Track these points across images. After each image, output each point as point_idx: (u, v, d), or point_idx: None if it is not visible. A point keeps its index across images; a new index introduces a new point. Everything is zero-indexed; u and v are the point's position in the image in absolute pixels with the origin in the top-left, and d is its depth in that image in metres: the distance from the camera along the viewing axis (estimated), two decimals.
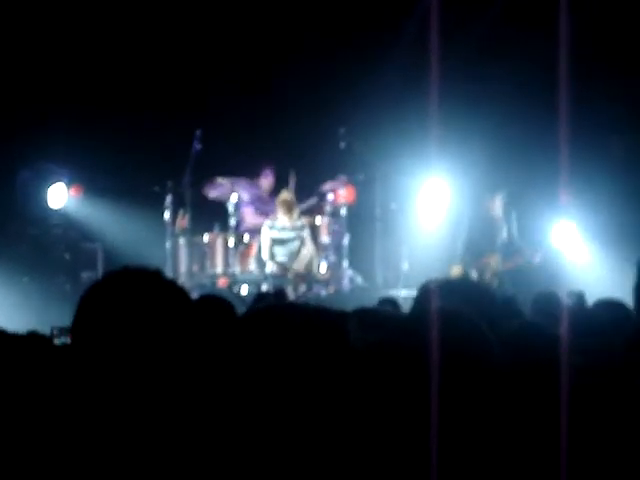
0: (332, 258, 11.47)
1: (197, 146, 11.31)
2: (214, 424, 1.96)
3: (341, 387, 1.94)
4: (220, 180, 11.48)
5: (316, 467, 1.91)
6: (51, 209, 11.84)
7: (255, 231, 11.31)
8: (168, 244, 11.42)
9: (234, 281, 11.16)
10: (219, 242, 11.37)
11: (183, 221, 11.45)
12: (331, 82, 11.87)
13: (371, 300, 7.39)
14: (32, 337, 4.05)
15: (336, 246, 11.51)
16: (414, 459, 1.97)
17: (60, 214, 11.95)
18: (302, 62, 11.88)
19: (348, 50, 11.84)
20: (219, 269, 11.34)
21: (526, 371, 2.50)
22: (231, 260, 11.25)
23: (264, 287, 10.80)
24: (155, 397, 1.89)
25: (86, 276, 11.92)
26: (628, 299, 4.42)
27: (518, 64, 11.20)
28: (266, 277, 10.96)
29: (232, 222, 11.26)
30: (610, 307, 4.37)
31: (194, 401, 1.91)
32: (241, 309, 5.05)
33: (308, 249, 11.12)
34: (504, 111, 11.38)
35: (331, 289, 11.31)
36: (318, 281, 11.27)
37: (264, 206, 11.50)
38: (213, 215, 11.56)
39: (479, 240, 10.76)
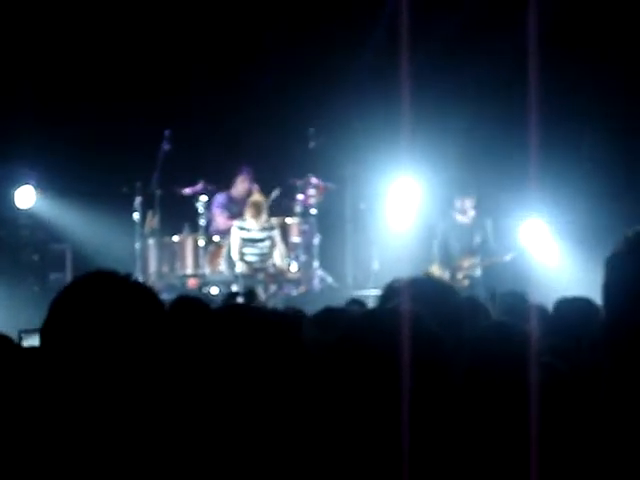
0: (302, 258, 11.47)
1: (166, 146, 11.28)
2: (176, 423, 1.95)
3: (293, 385, 1.94)
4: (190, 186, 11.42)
5: (271, 460, 1.92)
6: (19, 210, 11.76)
7: (225, 232, 11.28)
8: (137, 245, 11.37)
9: (204, 282, 11.13)
10: (189, 243, 11.34)
11: (152, 222, 11.40)
12: (300, 82, 11.86)
13: (342, 300, 7.38)
14: None
15: (306, 246, 11.51)
16: (369, 455, 1.97)
17: (28, 215, 11.87)
18: (271, 61, 11.87)
19: (317, 49, 11.83)
20: (189, 270, 11.30)
21: (493, 370, 2.50)
22: (201, 261, 11.22)
23: (234, 287, 10.78)
24: (123, 398, 1.89)
25: (55, 277, 11.86)
26: (597, 297, 4.42)
27: (488, 63, 11.23)
28: (236, 277, 10.94)
29: (202, 222, 11.23)
30: (577, 304, 4.38)
31: (159, 402, 1.91)
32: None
33: (279, 249, 11.11)
34: (475, 110, 11.41)
35: (302, 289, 11.30)
36: (289, 281, 11.26)
37: (238, 207, 11.46)
38: (183, 216, 11.52)
39: (454, 243, 10.83)
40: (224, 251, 11.19)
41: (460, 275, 10.76)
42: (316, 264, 11.50)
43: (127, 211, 11.41)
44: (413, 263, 10.28)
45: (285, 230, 11.37)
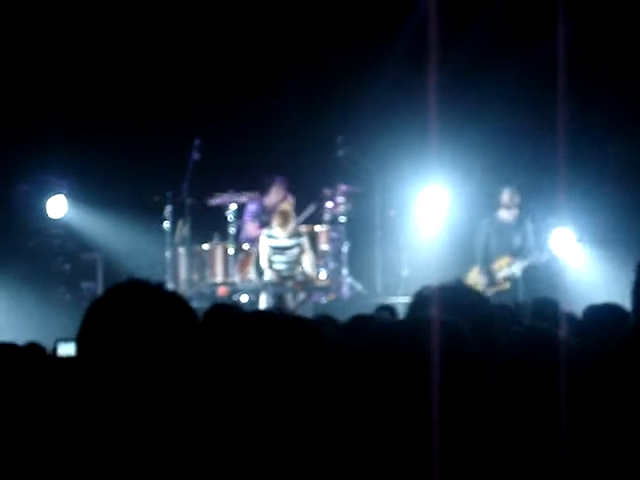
0: (331, 266, 11.48)
1: (196, 156, 11.33)
2: (209, 429, 1.98)
3: (316, 390, 1.96)
4: (221, 195, 11.48)
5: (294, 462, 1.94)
6: (50, 220, 11.86)
7: (255, 240, 11.32)
8: (168, 253, 11.44)
9: (234, 290, 11.17)
10: (219, 251, 11.38)
11: (183, 230, 11.46)
12: (329, 90, 11.90)
13: (371, 307, 7.40)
14: (31, 348, 4.07)
15: (335, 254, 11.53)
16: (395, 462, 1.99)
17: (59, 225, 11.98)
18: (300, 70, 11.91)
19: (345, 59, 11.86)
20: (219, 278, 11.35)
21: (528, 376, 2.50)
22: (231, 269, 11.27)
23: (263, 295, 10.82)
24: (157, 406, 1.92)
25: (86, 286, 11.95)
26: (627, 303, 4.42)
27: (516, 72, 11.24)
28: (265, 285, 10.97)
29: (231, 231, 11.27)
30: (606, 311, 4.38)
31: (192, 409, 1.94)
32: None
33: (307, 257, 11.13)
34: (502, 118, 11.41)
35: (331, 296, 11.32)
36: (318, 289, 11.28)
37: (268, 217, 11.48)
38: (213, 224, 11.57)
39: (494, 242, 10.82)
40: (253, 259, 11.23)
41: (499, 276, 10.76)
42: (345, 271, 11.52)
43: (157, 220, 11.47)
44: (443, 269, 10.27)
45: (314, 238, 11.39)
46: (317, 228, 11.51)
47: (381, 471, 2.02)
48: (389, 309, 5.36)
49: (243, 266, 11.30)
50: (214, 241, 11.45)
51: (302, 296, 11.03)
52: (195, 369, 1.96)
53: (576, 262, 11.15)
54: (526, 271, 10.69)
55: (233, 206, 11.32)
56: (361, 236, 11.86)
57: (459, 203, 11.58)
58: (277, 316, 2.18)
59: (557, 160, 8.64)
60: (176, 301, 2.01)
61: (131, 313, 1.96)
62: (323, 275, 11.38)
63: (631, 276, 3.95)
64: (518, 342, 2.59)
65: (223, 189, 11.48)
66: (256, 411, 1.97)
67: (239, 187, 11.54)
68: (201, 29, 11.92)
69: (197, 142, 11.33)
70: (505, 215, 10.87)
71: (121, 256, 11.64)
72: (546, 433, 2.36)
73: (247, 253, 11.32)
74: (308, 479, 1.93)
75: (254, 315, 2.28)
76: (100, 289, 11.68)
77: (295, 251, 11.06)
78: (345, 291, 11.46)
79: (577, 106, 10.01)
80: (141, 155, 11.64)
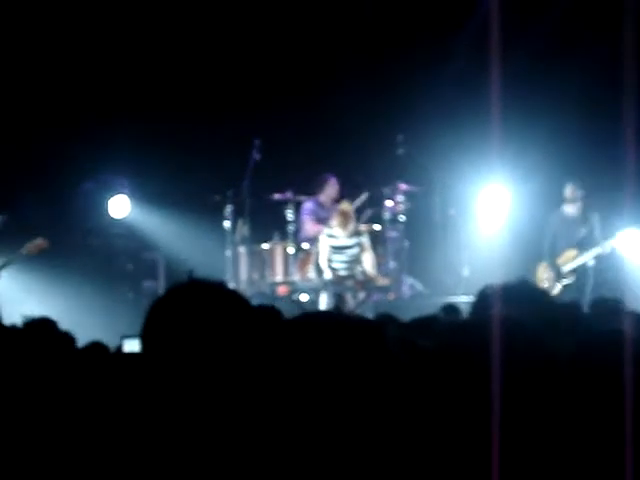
0: (392, 265, 11.45)
1: (256, 155, 11.38)
2: (270, 427, 1.99)
3: (382, 392, 1.95)
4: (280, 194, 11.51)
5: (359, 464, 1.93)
6: (113, 220, 11.99)
7: (314, 239, 11.33)
8: (228, 253, 11.50)
9: (294, 289, 11.20)
10: (279, 250, 11.42)
11: (243, 230, 11.52)
12: (389, 88, 11.86)
13: (431, 307, 7.36)
14: (95, 347, 4.12)
15: (395, 253, 11.49)
16: (466, 467, 1.97)
17: (122, 224, 12.11)
18: (360, 68, 11.88)
19: (406, 55, 11.82)
20: (279, 277, 11.38)
21: (596, 374, 2.46)
22: (291, 268, 11.30)
23: (323, 295, 10.83)
24: (219, 405, 1.94)
25: (148, 285, 12.07)
26: None
27: (580, 69, 11.10)
28: (325, 284, 10.97)
29: (291, 230, 11.31)
30: None
31: (253, 407, 1.95)
32: None
33: (367, 256, 11.10)
34: (565, 116, 11.28)
35: (391, 296, 11.28)
36: (378, 288, 11.25)
37: (326, 214, 11.49)
38: (272, 223, 11.62)
39: (561, 237, 10.79)
40: (313, 258, 11.24)
41: (566, 269, 10.75)
42: (405, 271, 11.48)
43: (218, 219, 11.55)
44: (505, 268, 10.20)
45: (374, 237, 11.37)
46: (377, 227, 11.49)
47: (445, 471, 2.01)
48: (453, 308, 5.31)
49: (303, 265, 11.32)
50: (274, 240, 11.49)
51: (362, 295, 11.01)
52: (258, 368, 1.97)
53: None
54: (596, 260, 10.67)
55: (292, 205, 11.35)
56: (421, 235, 11.81)
57: (521, 201, 11.48)
58: (339, 316, 2.17)
59: (623, 158, 8.51)
60: (238, 300, 2.03)
61: (194, 312, 1.98)
62: (383, 274, 11.35)
63: None
64: (585, 342, 2.55)
65: (283, 188, 11.51)
66: (321, 411, 1.96)
67: (298, 186, 11.56)
68: (263, 28, 11.96)
69: (257, 142, 11.38)
70: (570, 209, 10.88)
71: (182, 255, 11.73)
72: (616, 436, 2.32)
73: (307, 252, 11.34)
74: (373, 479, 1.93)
75: (317, 315, 2.27)
76: (161, 288, 11.78)
77: (355, 250, 11.04)
78: (405, 290, 11.43)
79: None
80: (202, 155, 11.72)
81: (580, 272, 10.71)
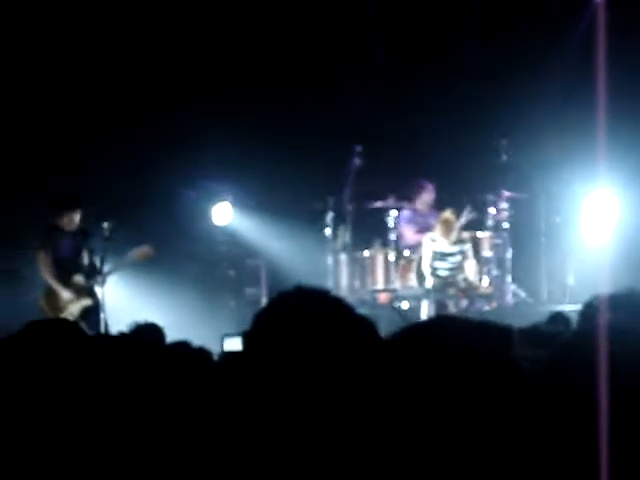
0: (495, 272, 11.31)
1: (357, 162, 11.38)
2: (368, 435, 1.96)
3: (506, 405, 1.90)
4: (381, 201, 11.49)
5: None
6: (216, 227, 12.13)
7: (415, 246, 11.27)
8: (329, 260, 11.52)
9: (395, 296, 11.15)
10: (379, 257, 11.39)
11: (344, 237, 11.52)
12: (492, 94, 11.73)
13: (535, 316, 7.22)
14: (200, 352, 4.15)
15: (499, 260, 11.35)
16: None
17: (225, 232, 12.24)
18: (462, 75, 11.79)
19: (509, 61, 11.68)
20: (380, 285, 11.36)
21: None
22: (392, 275, 11.26)
23: (425, 302, 10.75)
24: (325, 410, 1.93)
25: (250, 292, 12.16)
26: None
27: None
28: (427, 292, 10.89)
29: (392, 237, 11.27)
30: None
31: (364, 418, 1.94)
32: (402, 325, 5.02)
33: (470, 263, 10.99)
34: None
35: (494, 304, 11.15)
36: (480, 296, 11.13)
37: (424, 221, 11.43)
38: (373, 231, 11.60)
39: None
40: (414, 265, 11.18)
41: None
42: (509, 279, 11.32)
43: (318, 226, 11.58)
44: (612, 277, 9.96)
45: (477, 244, 11.25)
46: (480, 234, 11.37)
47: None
48: (563, 318, 5.17)
49: (404, 272, 11.27)
50: (375, 247, 11.47)
51: (464, 303, 10.91)
52: (368, 376, 1.95)
53: None
54: None
55: (393, 212, 11.32)
56: (525, 243, 11.63)
57: (630, 207, 11.20)
58: (462, 321, 2.12)
59: None
60: (343, 308, 2.03)
61: (300, 320, 2.00)
62: (486, 282, 11.22)
63: None
64: None
65: (384, 195, 11.49)
66: (445, 419, 1.91)
67: (399, 193, 11.52)
68: (359, 35, 11.99)
69: (358, 148, 11.38)
70: None
71: (283, 262, 11.80)
72: None
73: (408, 259, 11.28)
74: None
75: (439, 320, 2.22)
76: (263, 295, 11.86)
77: (458, 258, 10.94)
78: (509, 299, 11.27)
79: None
80: (303, 162, 11.77)
81: None
